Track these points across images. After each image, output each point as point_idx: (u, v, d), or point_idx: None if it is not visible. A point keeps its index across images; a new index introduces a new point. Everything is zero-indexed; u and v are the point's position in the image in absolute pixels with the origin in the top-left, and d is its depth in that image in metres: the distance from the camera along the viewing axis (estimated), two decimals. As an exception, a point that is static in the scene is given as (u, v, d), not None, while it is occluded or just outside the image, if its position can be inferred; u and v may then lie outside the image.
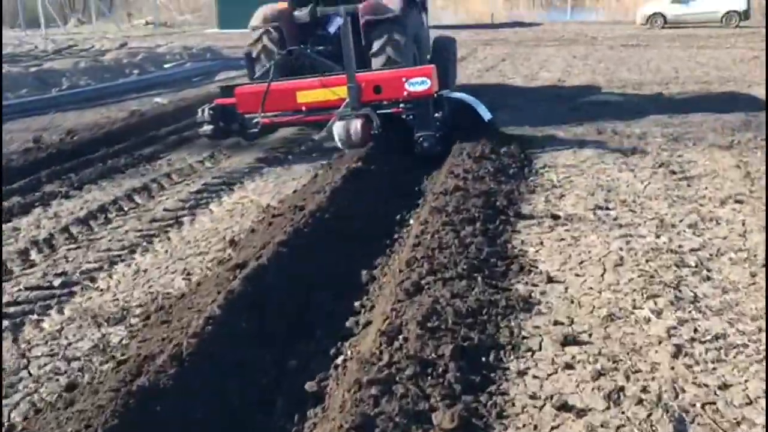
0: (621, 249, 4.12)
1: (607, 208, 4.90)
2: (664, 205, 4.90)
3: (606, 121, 7.92)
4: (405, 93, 6.39)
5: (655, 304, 3.41)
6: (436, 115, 6.59)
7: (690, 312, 3.32)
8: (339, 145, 6.48)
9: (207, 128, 7.06)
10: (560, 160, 6.27)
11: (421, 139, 6.42)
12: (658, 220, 4.61)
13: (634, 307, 3.39)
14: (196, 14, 46.84)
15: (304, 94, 6.71)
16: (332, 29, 7.66)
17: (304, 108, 6.79)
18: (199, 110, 7.15)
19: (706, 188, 5.28)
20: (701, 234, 4.35)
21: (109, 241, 4.84)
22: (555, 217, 4.72)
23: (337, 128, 6.38)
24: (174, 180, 6.43)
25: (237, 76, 15.46)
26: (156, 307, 3.65)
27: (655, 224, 4.53)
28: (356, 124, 6.30)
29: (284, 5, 8.33)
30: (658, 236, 4.32)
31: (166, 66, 17.54)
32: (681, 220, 4.59)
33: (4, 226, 5.23)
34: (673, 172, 5.71)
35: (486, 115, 6.90)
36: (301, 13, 8.12)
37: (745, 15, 27.83)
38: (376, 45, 7.70)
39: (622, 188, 5.36)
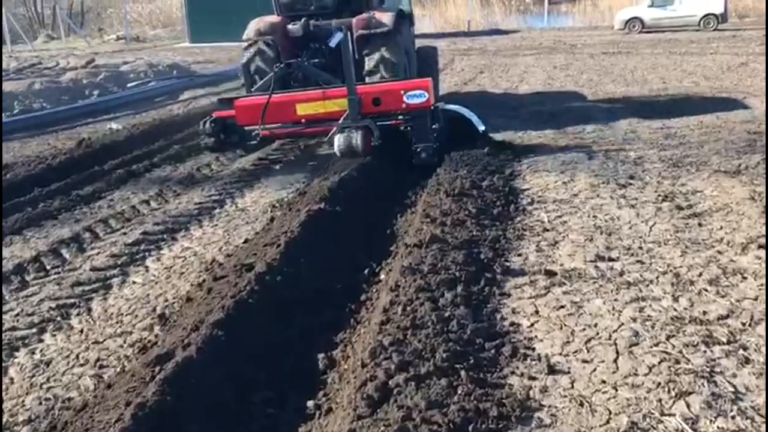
0: (634, 319, 3.37)
1: (611, 259, 4.16)
2: (675, 253, 4.17)
3: (596, 143, 7.22)
4: (403, 105, 6.55)
5: (688, 406, 2.67)
6: (433, 126, 6.70)
7: (734, 418, 2.57)
8: (340, 155, 6.51)
9: (208, 141, 7.17)
10: (549, 194, 5.54)
11: (419, 149, 6.55)
12: (672, 274, 3.88)
13: (662, 413, 2.64)
14: (169, 28, 45.86)
15: (303, 106, 6.79)
16: (333, 43, 7.69)
17: (303, 120, 6.89)
18: (201, 123, 7.28)
19: (721, 228, 4.56)
20: (726, 294, 3.62)
21: (17, 315, 4.02)
22: (550, 274, 3.97)
23: (339, 140, 6.41)
24: (111, 227, 5.61)
25: (204, 94, 14.69)
26: (47, 427, 2.83)
27: (670, 281, 3.79)
28: (357, 136, 6.35)
29: (277, 19, 8.46)
30: (675, 299, 3.58)
31: (129, 86, 16.66)
32: (699, 274, 3.86)
33: None
34: (680, 208, 4.99)
35: (480, 126, 7.01)
36: (295, 27, 8.22)
37: (722, 18, 27.50)
38: (369, 58, 7.94)
39: (624, 230, 4.62)
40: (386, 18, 7.96)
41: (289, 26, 8.26)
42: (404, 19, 8.71)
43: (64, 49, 34.89)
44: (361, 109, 6.51)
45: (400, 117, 6.71)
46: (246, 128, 7.04)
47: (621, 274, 3.95)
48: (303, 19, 8.22)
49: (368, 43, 7.93)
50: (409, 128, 6.70)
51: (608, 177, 5.87)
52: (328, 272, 4.32)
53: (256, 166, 7.39)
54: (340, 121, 6.51)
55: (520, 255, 4.29)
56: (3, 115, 12.38)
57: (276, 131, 7.18)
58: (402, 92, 6.53)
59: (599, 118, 8.51)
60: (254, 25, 8.33)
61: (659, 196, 5.28)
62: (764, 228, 4.45)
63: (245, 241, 4.94)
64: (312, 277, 4.16)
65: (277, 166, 7.35)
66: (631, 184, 5.66)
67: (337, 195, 5.49)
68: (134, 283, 4.45)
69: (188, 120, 10.41)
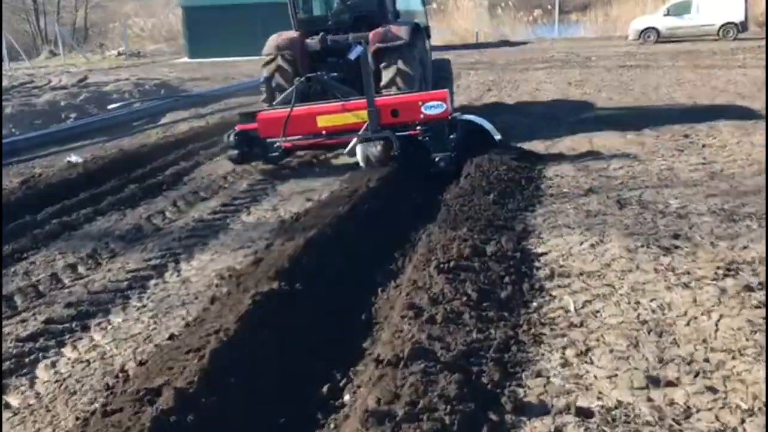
0: None
1: (668, 383, 2.90)
2: (759, 373, 2.90)
3: (625, 184, 5.96)
4: (422, 116, 6.69)
5: None
6: (451, 136, 6.83)
7: None
8: (362, 165, 6.75)
9: (232, 153, 7.42)
10: (574, 263, 4.28)
11: (437, 159, 6.65)
12: (762, 413, 2.61)
13: None
14: (171, 42, 45.00)
15: (324, 118, 6.99)
16: (352, 56, 7.80)
17: (324, 132, 7.06)
18: (225, 136, 7.55)
19: (817, 323, 3.29)
20: None
21: None
22: (585, 414, 2.72)
23: (360, 150, 6.71)
24: (13, 308, 4.40)
25: (187, 117, 13.55)
26: None
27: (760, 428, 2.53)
28: (378, 146, 6.63)
29: (295, 34, 8.65)
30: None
31: (109, 107, 15.52)
32: (805, 419, 2.59)
33: None
34: (750, 288, 3.72)
35: (496, 136, 7.09)
36: (313, 42, 8.46)
37: (742, 27, 26.20)
38: (386, 71, 8.09)
39: (680, 328, 3.36)
40: (402, 32, 8.13)
41: (307, 41, 8.51)
42: (420, 32, 8.85)
43: (63, 66, 34.06)
44: (381, 121, 6.69)
45: (419, 127, 6.77)
46: (268, 140, 7.25)
47: (687, 413, 2.69)
48: (321, 34, 8.47)
49: (384, 56, 8.06)
50: (427, 138, 6.74)
51: (647, 236, 4.61)
52: (268, 394, 3.09)
53: (216, 215, 6.17)
54: (360, 133, 6.72)
55: (539, 375, 3.03)
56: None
57: (297, 143, 7.34)
58: (420, 103, 6.69)
59: (626, 153, 7.22)
60: (273, 41, 8.57)
61: (718, 268, 4.00)
62: None
63: (170, 338, 3.71)
64: (240, 410, 2.93)
65: (242, 215, 6.14)
66: (677, 247, 4.40)
67: (299, 266, 4.26)
68: (9, 408, 3.23)
69: (156, 150, 9.26)
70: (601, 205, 5.37)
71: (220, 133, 10.69)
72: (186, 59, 35.84)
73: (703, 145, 7.26)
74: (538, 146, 7.84)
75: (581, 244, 4.57)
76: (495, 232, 4.75)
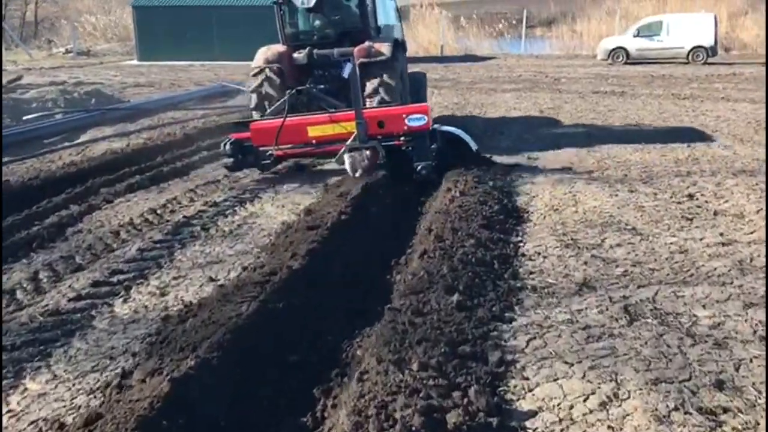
0: None
1: None
2: None
3: (631, 277, 4.51)
4: (405, 127, 7.13)
5: None
6: (432, 146, 7.27)
7: None
8: (350, 173, 7.08)
9: (228, 161, 7.76)
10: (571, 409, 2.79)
11: (419, 167, 7.08)
12: None
13: None
14: (124, 42, 42.76)
15: (314, 128, 7.39)
16: (345, 74, 8.34)
17: (314, 141, 7.49)
18: (222, 144, 7.83)
19: None
20: None
21: None
22: None
23: (348, 158, 7.07)
24: None
25: (110, 135, 11.82)
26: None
27: None
28: (365, 155, 7.01)
29: (282, 48, 9.10)
30: None
31: (24, 118, 13.67)
32: None
33: None
34: None
35: (473, 146, 7.63)
36: (300, 56, 8.93)
37: (712, 51, 25.43)
38: (370, 83, 8.47)
39: None
40: (384, 48, 8.60)
41: (295, 55, 8.97)
42: (399, 47, 9.34)
43: (6, 62, 31.73)
44: (368, 131, 7.05)
45: (402, 138, 7.21)
46: (261, 149, 7.64)
47: None
48: (307, 48, 8.96)
49: (368, 70, 8.44)
50: (410, 148, 7.21)
51: (678, 386, 3.14)
52: None
53: (79, 302, 4.52)
54: (348, 142, 7.08)
55: None
56: None
57: (289, 151, 7.79)
58: (404, 116, 7.14)
59: (621, 221, 5.79)
60: (262, 54, 9.01)
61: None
62: None
63: (102, 403, 2.10)
64: None
65: (116, 303, 4.52)
66: (726, 410, 2.95)
67: (244, 325, 2.71)
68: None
69: (48, 186, 7.55)
70: (604, 316, 3.91)
71: (138, 159, 9.14)
72: (135, 61, 33.78)
73: (715, 213, 5.87)
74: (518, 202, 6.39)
75: (585, 399, 3.08)
76: (460, 368, 3.25)
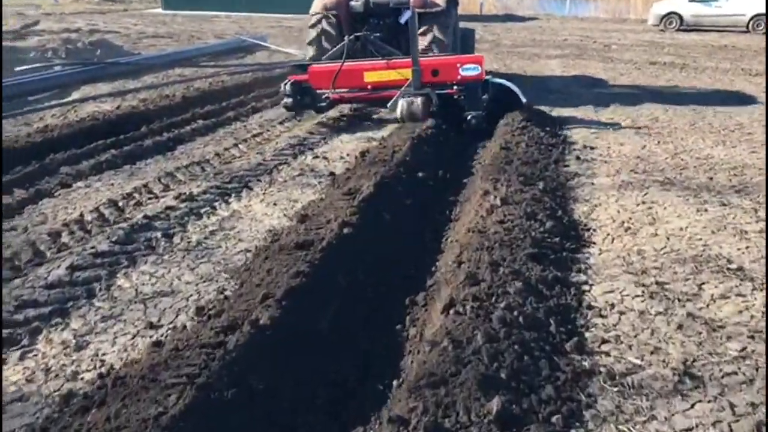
0: None
1: None
2: None
3: (758, 374, 3.06)
4: (458, 77, 7.37)
5: None
6: (483, 96, 7.46)
7: None
8: (401, 119, 7.33)
9: (287, 101, 8.04)
10: None
11: (470, 116, 7.35)
12: None
13: None
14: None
15: (370, 74, 7.68)
16: (403, 20, 8.22)
17: (369, 86, 7.77)
18: (282, 85, 8.14)
19: None
20: None
21: None
22: None
23: (401, 104, 7.32)
24: None
25: (106, 93, 10.51)
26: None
27: None
28: (418, 102, 7.26)
29: None
30: None
31: (17, 69, 12.38)
32: None
33: None
34: None
35: (523, 98, 7.74)
36: (357, 4, 9.04)
37: (774, 19, 23.16)
38: (422, 34, 8.53)
39: None
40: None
41: (351, 3, 9.06)
42: (453, 1, 9.48)
43: (31, 5, 30.56)
44: (422, 79, 7.31)
45: (455, 87, 7.43)
46: (318, 91, 7.94)
47: None
48: None
49: (423, 20, 8.46)
50: (462, 97, 7.43)
51: None
52: None
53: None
54: (403, 88, 7.39)
55: None
56: None
57: (345, 95, 7.99)
58: (458, 65, 7.37)
59: (721, 255, 4.28)
60: (320, 1, 9.13)
61: None
62: None
63: None
64: None
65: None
66: None
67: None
68: None
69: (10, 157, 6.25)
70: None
71: (120, 127, 7.79)
72: (160, 10, 32.37)
73: None
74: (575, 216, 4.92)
75: None
76: None
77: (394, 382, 2.97)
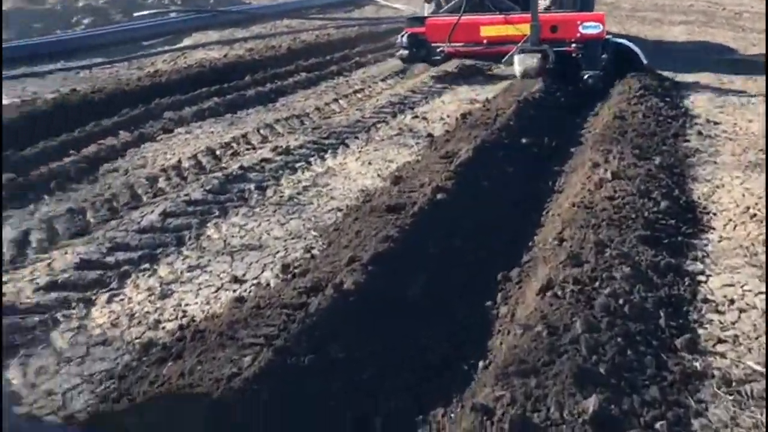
0: None
1: None
2: None
3: None
4: (578, 34, 7.15)
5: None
6: (602, 56, 7.19)
7: None
8: (517, 75, 7.14)
9: (403, 52, 8.07)
10: None
11: (587, 76, 7.10)
12: None
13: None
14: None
15: (487, 28, 7.58)
16: None
17: (485, 41, 7.65)
18: (399, 36, 8.17)
19: None
20: None
21: None
22: None
23: (518, 60, 7.09)
24: None
25: (216, 41, 10.66)
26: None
27: None
28: (535, 58, 7.02)
29: None
30: None
31: (135, 15, 12.76)
32: None
33: None
34: None
35: (644, 60, 7.39)
36: None
37: None
38: None
39: None
40: None
41: None
42: None
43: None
44: (540, 35, 7.12)
45: (573, 45, 7.20)
46: (434, 44, 7.92)
47: None
48: None
49: None
50: (580, 56, 7.19)
51: None
52: None
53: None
54: (520, 44, 7.17)
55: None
56: None
57: (460, 49, 7.93)
58: (578, 23, 7.16)
59: None
60: None
61: None
62: None
63: None
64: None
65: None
66: None
67: None
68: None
69: (112, 99, 6.41)
70: None
71: (226, 76, 7.84)
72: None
73: None
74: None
75: None
76: None
77: (480, 363, 2.77)
